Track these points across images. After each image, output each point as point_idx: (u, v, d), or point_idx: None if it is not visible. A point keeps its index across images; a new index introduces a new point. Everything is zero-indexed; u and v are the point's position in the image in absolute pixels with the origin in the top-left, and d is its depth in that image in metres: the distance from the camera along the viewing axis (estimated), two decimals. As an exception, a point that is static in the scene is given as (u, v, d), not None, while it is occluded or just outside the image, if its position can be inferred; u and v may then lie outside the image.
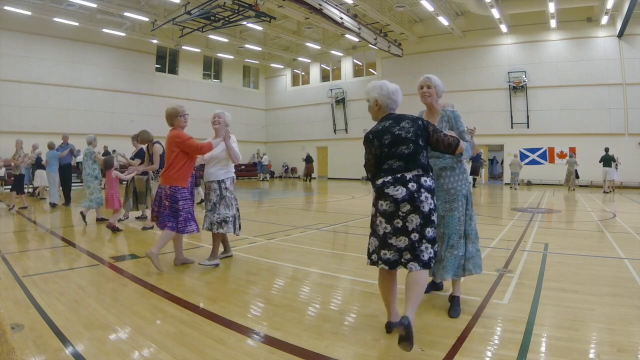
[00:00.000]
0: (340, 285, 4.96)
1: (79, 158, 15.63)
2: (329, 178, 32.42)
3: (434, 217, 3.23)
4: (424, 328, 3.55)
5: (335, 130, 32.07)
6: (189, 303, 4.16)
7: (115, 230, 8.29)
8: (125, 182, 10.00)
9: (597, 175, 20.49)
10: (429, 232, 3.16)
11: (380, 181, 3.28)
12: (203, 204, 9.31)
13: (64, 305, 4.01)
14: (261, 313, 3.99)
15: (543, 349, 3.16)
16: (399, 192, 3.16)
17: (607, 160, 19.52)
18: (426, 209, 3.16)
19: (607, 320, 3.68)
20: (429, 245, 3.15)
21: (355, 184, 26.06)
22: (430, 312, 3.98)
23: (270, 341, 3.29)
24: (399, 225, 3.16)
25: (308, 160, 29.75)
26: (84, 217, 9.43)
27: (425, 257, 3.13)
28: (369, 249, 3.38)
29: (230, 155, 5.74)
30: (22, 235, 8.37)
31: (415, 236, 3.13)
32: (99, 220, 9.73)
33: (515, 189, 22.00)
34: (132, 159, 9.90)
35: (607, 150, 19.83)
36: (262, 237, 7.87)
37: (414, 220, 3.14)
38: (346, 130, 31.45)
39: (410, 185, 3.17)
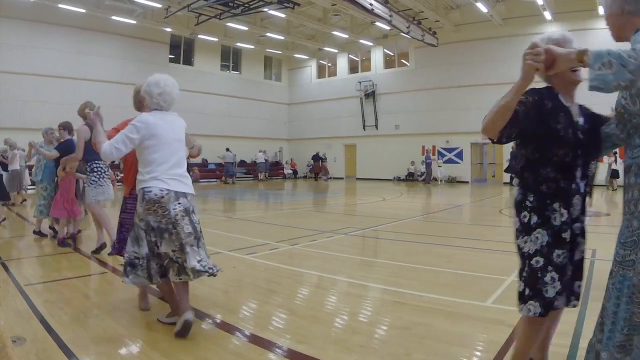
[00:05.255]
0: (369, 295, 4.93)
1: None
2: (357, 178, 32.26)
3: None
4: (460, 340, 3.49)
5: (364, 127, 31.78)
6: (206, 314, 4.18)
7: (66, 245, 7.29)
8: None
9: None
10: None
11: None
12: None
13: (69, 316, 4.03)
14: (284, 324, 3.98)
15: (592, 365, 3.06)
16: None
17: None
18: None
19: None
20: None
21: (387, 185, 25.86)
22: (466, 321, 3.91)
23: (293, 355, 3.27)
24: None
25: (316, 158, 29.82)
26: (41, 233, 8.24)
27: None
28: (546, 289, 2.35)
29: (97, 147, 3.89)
30: (23, 240, 8.36)
31: None
32: (38, 233, 8.26)
33: None
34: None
35: None
36: (285, 243, 7.87)
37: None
38: (376, 126, 31.06)
39: None
